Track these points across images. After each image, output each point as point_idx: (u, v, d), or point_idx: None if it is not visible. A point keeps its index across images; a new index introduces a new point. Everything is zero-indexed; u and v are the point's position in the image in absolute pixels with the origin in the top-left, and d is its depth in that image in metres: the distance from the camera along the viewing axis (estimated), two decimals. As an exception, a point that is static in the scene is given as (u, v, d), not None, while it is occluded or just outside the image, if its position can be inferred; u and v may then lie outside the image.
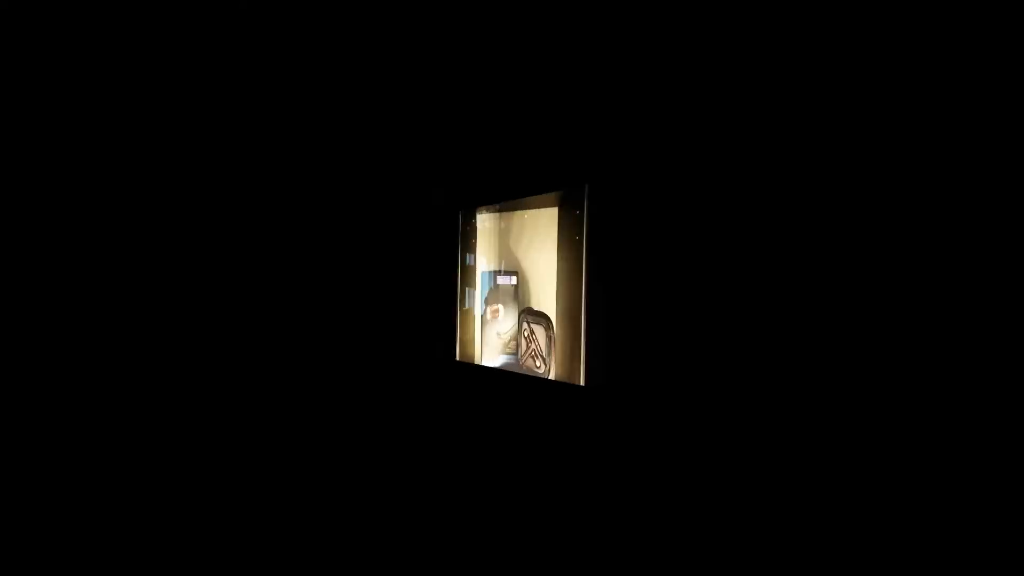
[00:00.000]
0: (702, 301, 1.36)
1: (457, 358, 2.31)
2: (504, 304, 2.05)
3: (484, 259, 2.21)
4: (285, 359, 2.56)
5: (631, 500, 1.48)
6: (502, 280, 2.07)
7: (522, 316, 1.95)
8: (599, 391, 1.59)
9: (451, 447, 2.13)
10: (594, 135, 1.63)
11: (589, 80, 1.65)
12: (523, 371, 1.94)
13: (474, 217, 2.26)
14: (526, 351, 1.93)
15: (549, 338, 1.80)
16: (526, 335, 1.93)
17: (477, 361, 2.21)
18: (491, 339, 2.12)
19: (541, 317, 1.85)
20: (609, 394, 1.56)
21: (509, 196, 2.01)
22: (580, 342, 1.64)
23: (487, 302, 2.15)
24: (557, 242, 1.78)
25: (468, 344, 2.29)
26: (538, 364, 1.86)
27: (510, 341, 2.03)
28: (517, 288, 1.99)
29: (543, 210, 1.85)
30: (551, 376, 1.80)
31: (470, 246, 2.27)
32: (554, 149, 1.77)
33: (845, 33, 1.15)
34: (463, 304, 2.32)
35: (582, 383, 1.64)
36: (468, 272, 2.29)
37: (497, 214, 2.12)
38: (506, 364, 2.04)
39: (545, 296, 1.85)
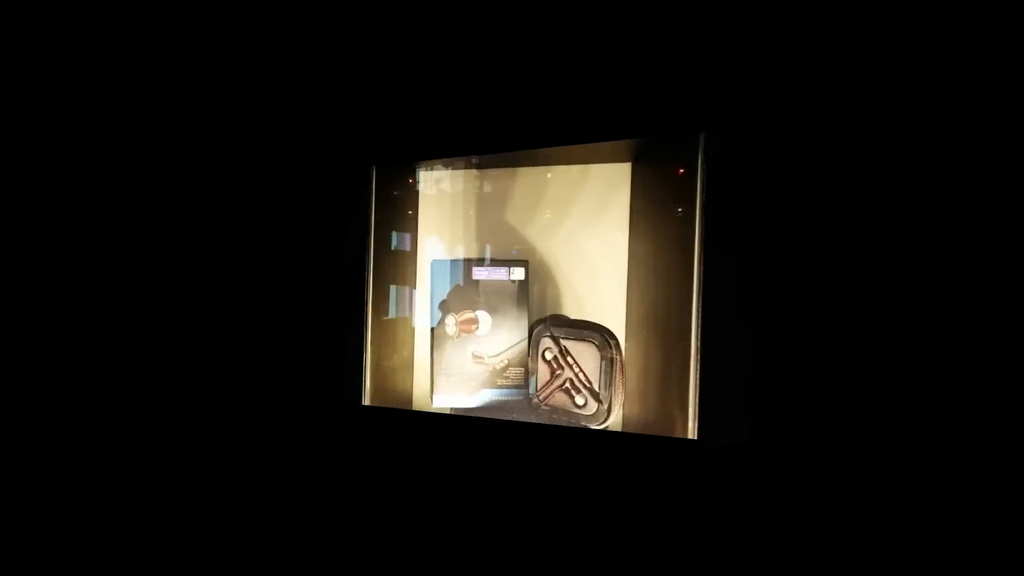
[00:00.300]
0: (911, 312, 0.99)
1: (367, 401, 1.43)
2: (493, 310, 1.32)
3: (437, 241, 1.41)
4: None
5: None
6: (485, 274, 1.33)
7: (542, 329, 1.27)
8: (729, 452, 1.06)
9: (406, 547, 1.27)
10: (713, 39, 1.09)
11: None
12: (541, 414, 1.26)
13: (413, 175, 1.43)
14: (551, 381, 1.25)
15: (610, 362, 1.18)
16: (551, 357, 1.26)
17: (419, 405, 1.40)
18: (460, 366, 1.35)
19: (589, 330, 1.21)
20: (753, 458, 1.04)
21: (505, 144, 1.29)
22: (689, 372, 1.09)
23: (446, 308, 1.37)
24: (630, 217, 1.18)
25: (396, 374, 1.44)
26: (580, 401, 1.22)
27: (507, 368, 1.31)
28: (526, 285, 1.29)
29: (594, 167, 1.22)
30: (609, 421, 1.19)
31: (401, 221, 1.44)
32: (621, 65, 1.16)
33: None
34: (380, 312, 1.45)
35: (691, 435, 1.09)
36: (396, 261, 1.45)
37: (474, 171, 1.37)
38: (494, 405, 1.31)
39: (597, 298, 1.22)
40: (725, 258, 1.07)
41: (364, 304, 1.43)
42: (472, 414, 1.31)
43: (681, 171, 1.11)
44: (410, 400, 1.42)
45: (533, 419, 1.26)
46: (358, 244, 1.45)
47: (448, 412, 1.34)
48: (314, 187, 1.46)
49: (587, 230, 1.23)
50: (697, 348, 1.08)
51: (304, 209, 1.47)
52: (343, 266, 1.45)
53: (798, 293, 1.02)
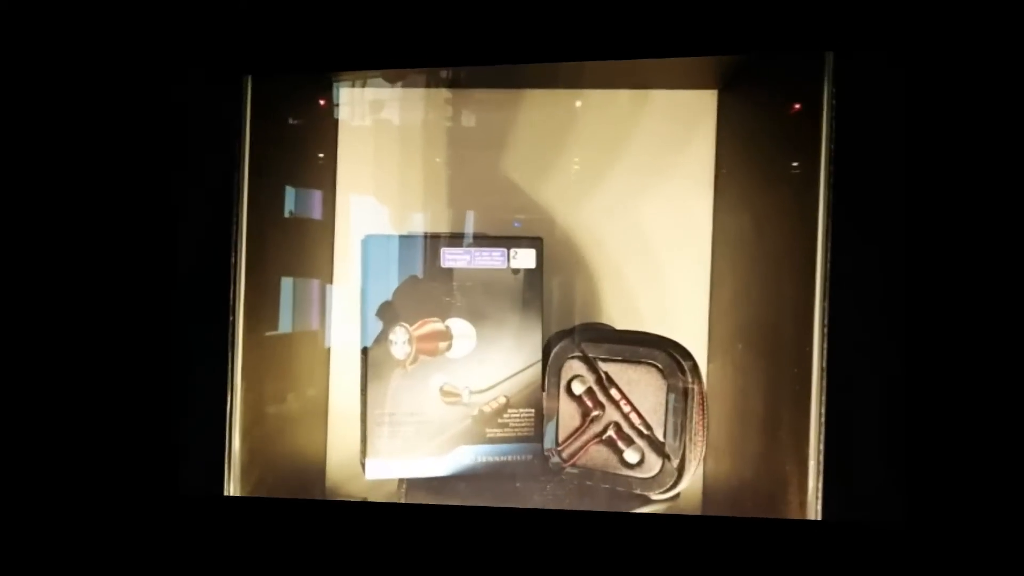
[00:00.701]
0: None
1: (233, 489, 0.80)
2: (477, 317, 0.82)
3: (374, 204, 0.86)
4: None
5: None
6: (466, 259, 0.82)
7: (567, 346, 0.80)
8: (872, 539, 0.71)
9: None
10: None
11: None
12: (566, 482, 0.79)
13: (328, 93, 0.86)
14: (583, 428, 0.80)
15: (682, 394, 0.77)
16: (583, 390, 0.80)
17: (339, 480, 0.83)
18: (417, 410, 0.81)
19: (648, 347, 0.78)
20: (909, 548, 0.70)
21: (502, 51, 0.79)
22: (808, 415, 0.72)
23: (392, 315, 0.82)
24: (715, 173, 0.77)
25: (296, 431, 0.84)
26: (632, 457, 0.78)
27: (503, 410, 0.81)
28: (538, 277, 0.81)
29: (657, 93, 0.79)
30: (681, 486, 0.77)
31: (304, 169, 0.86)
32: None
33: None
34: (260, 324, 0.85)
35: (812, 513, 0.72)
36: (295, 236, 0.86)
37: (444, 90, 0.84)
38: (481, 472, 0.81)
39: (661, 297, 0.80)
40: (869, 242, 0.72)
41: (228, 309, 0.80)
42: (440, 495, 0.78)
43: (798, 106, 0.74)
44: (322, 473, 0.83)
45: (550, 491, 0.78)
46: (218, 207, 0.81)
47: (398, 495, 0.79)
48: (142, 108, 0.77)
49: (645, 192, 0.80)
50: (821, 374, 0.72)
51: (123, 146, 0.77)
52: (184, 244, 0.80)
53: (985, 294, 0.70)
